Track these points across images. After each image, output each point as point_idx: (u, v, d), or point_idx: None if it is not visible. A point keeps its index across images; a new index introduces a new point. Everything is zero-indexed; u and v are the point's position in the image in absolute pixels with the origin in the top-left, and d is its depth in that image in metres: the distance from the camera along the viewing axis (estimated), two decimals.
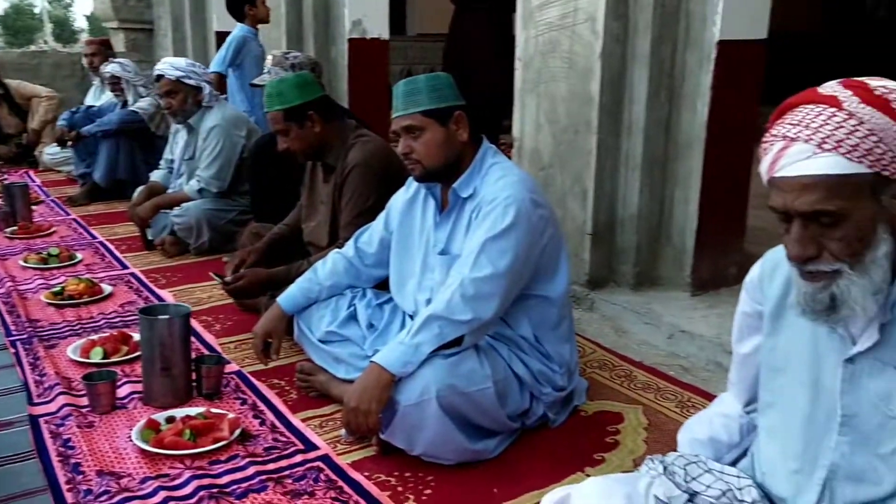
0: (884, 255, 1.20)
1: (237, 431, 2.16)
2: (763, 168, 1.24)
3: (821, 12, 10.51)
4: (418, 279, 2.36)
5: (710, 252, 3.14)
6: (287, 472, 2.03)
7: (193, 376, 2.43)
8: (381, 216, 2.51)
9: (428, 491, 1.96)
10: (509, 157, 2.48)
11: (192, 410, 2.26)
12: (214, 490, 1.93)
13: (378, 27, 5.23)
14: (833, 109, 1.15)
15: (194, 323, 2.96)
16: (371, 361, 1.99)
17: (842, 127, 1.13)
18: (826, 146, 1.14)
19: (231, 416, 2.24)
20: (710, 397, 2.31)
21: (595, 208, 3.15)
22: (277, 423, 2.28)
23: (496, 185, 2.16)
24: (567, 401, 2.33)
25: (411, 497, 1.93)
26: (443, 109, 2.16)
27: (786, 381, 1.47)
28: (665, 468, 1.59)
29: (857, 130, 1.13)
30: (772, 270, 1.49)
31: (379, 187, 2.71)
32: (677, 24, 3.00)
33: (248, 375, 2.59)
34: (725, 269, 3.19)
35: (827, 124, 1.14)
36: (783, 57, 4.70)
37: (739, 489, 1.51)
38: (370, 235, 2.52)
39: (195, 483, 1.94)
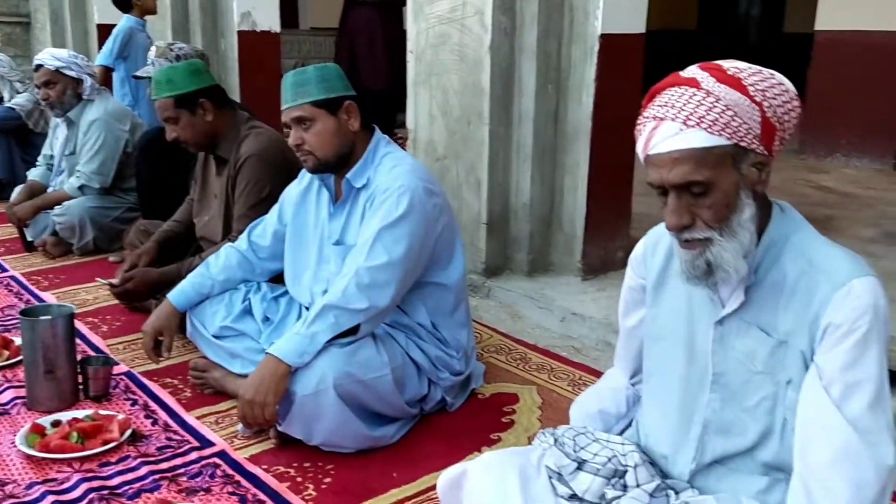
0: (749, 219, 1.32)
1: (127, 432, 2.10)
2: (639, 147, 1.33)
3: (697, 11, 11.09)
4: (314, 271, 2.35)
5: (599, 238, 3.27)
6: (182, 470, 1.98)
7: (80, 379, 2.34)
8: (275, 209, 2.49)
9: (328, 479, 1.96)
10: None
11: (80, 413, 2.18)
12: (105, 492, 1.87)
13: (268, 20, 5.15)
14: (693, 90, 1.26)
15: (80, 325, 2.84)
16: (266, 353, 1.97)
17: (702, 104, 1.24)
18: (690, 122, 1.24)
19: (121, 417, 2.17)
20: (599, 375, 2.40)
21: (489, 198, 3.22)
22: (171, 422, 2.23)
23: (389, 174, 2.19)
24: (465, 385, 2.38)
25: (311, 486, 1.94)
26: (332, 99, 2.16)
27: (665, 347, 1.57)
28: (556, 440, 1.66)
29: (715, 107, 1.24)
30: (654, 245, 1.59)
31: (273, 179, 2.68)
32: (562, 18, 3.11)
33: (139, 376, 2.51)
34: (613, 254, 3.33)
35: (689, 103, 1.25)
36: (663, 53, 4.93)
37: (623, 455, 1.60)
38: (264, 228, 2.49)
39: (85, 486, 1.87)
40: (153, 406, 2.32)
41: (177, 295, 2.41)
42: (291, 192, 2.46)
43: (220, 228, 2.83)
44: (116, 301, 3.07)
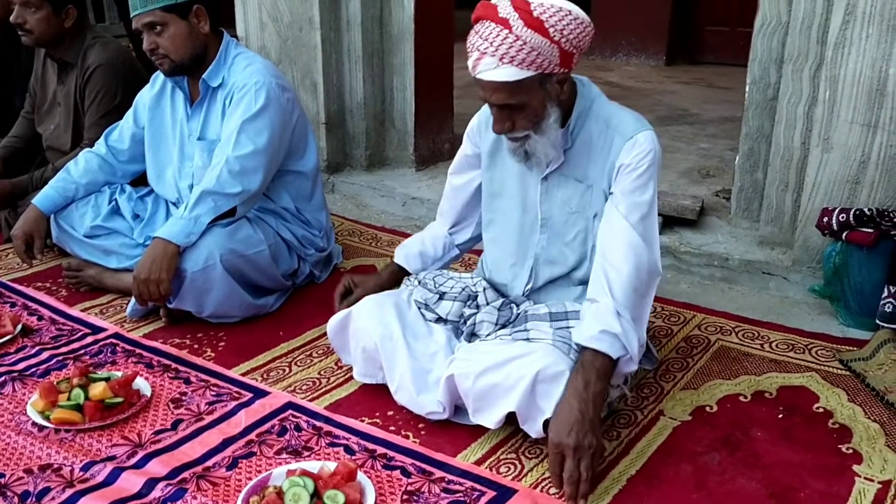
0: (554, 121, 1.77)
1: (19, 325, 2.22)
2: (469, 65, 1.71)
3: None
4: (177, 167, 2.53)
5: (428, 132, 3.64)
6: (82, 351, 2.16)
7: None
8: (129, 113, 2.60)
9: (222, 343, 2.23)
10: None
11: None
12: (15, 374, 2.02)
13: None
14: (506, 31, 1.62)
15: None
16: (154, 237, 2.17)
17: (513, 46, 1.62)
18: (504, 60, 1.64)
19: (9, 312, 2.27)
20: None
21: (326, 99, 3.47)
22: (56, 317, 2.36)
23: (244, 72, 2.39)
24: (328, 261, 2.70)
25: (208, 350, 2.20)
26: (182, 4, 2.30)
27: (502, 202, 1.99)
28: (419, 282, 2.06)
29: (524, 48, 1.62)
30: (486, 122, 1.97)
31: (124, 87, 2.76)
32: None
33: (9, 283, 2.58)
34: (441, 146, 3.73)
35: (503, 44, 1.63)
36: None
37: (473, 284, 2.02)
38: (120, 132, 2.60)
39: None
40: (33, 305, 2.43)
41: (42, 200, 2.49)
42: (144, 96, 2.58)
43: (68, 137, 2.88)
44: None
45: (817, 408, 1.91)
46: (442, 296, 2.01)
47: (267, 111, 2.34)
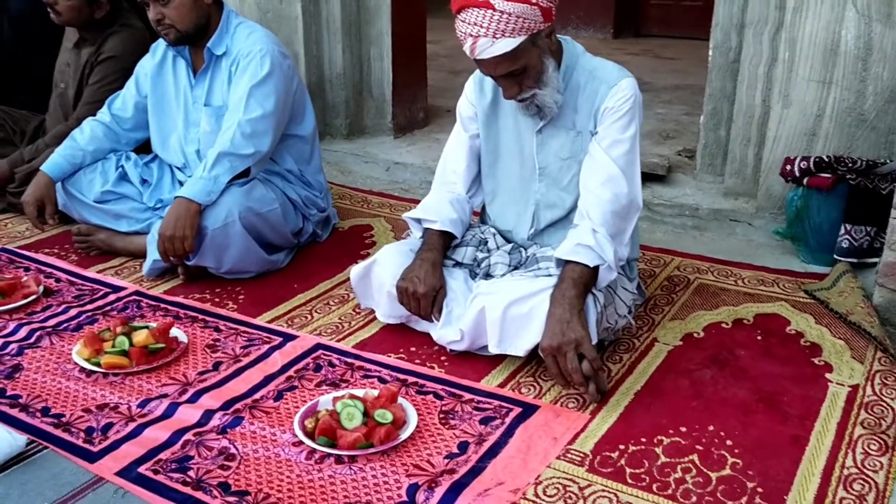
0: (553, 70, 1.95)
1: (41, 287, 2.30)
2: (466, 51, 1.86)
3: None
4: (182, 133, 2.62)
5: (404, 102, 3.78)
6: (109, 308, 2.26)
7: None
8: (131, 83, 2.68)
9: (242, 296, 2.36)
10: None
11: None
12: (48, 330, 2.11)
13: None
14: (491, 11, 1.78)
15: None
16: (177, 197, 2.28)
17: (501, 21, 1.79)
18: (497, 36, 1.80)
19: (29, 274, 2.35)
20: None
21: (307, 70, 3.58)
22: (73, 279, 2.45)
23: (248, 40, 2.50)
24: (327, 221, 2.84)
25: (230, 303, 2.32)
26: None
27: (502, 156, 2.17)
28: None
29: (510, 20, 1.79)
30: (481, 83, 2.14)
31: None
32: None
33: (17, 250, 2.64)
34: (416, 115, 3.88)
35: (492, 22, 1.79)
36: None
37: (482, 231, 2.20)
38: (123, 101, 2.68)
39: (26, 328, 2.10)
40: (48, 269, 2.50)
41: (50, 166, 2.56)
42: (145, 65, 2.66)
43: (70, 101, 2.94)
44: None
45: (790, 330, 2.16)
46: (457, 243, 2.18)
47: (272, 77, 2.46)
